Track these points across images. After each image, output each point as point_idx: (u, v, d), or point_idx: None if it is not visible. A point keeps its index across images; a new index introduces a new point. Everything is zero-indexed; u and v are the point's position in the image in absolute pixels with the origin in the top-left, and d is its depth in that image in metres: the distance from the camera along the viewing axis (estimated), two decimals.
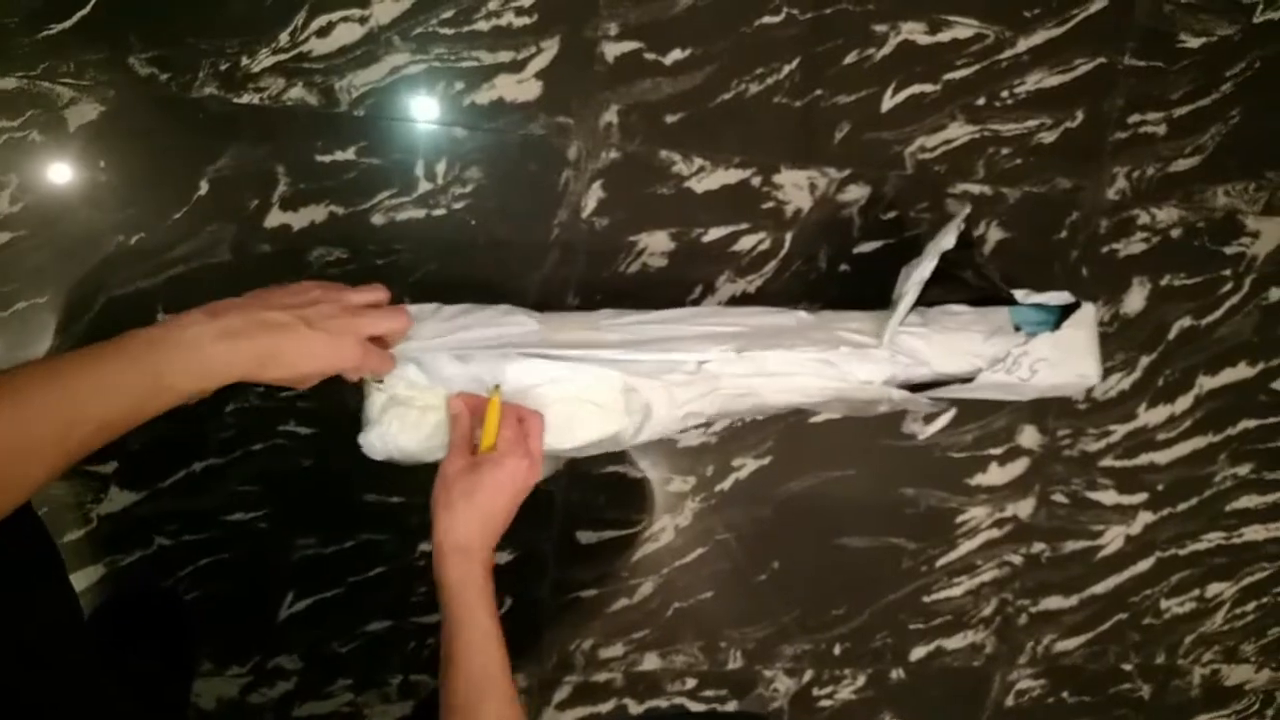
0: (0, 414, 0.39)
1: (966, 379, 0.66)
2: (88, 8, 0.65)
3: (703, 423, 0.66)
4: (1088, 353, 0.71)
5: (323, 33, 0.69)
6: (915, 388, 0.66)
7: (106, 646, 0.69)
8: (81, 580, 0.72)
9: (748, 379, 0.62)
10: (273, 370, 0.47)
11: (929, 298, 0.68)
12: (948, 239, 0.67)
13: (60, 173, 0.67)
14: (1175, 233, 0.88)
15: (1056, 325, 0.70)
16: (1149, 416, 0.91)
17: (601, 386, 0.58)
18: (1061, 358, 0.69)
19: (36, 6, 0.64)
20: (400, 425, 0.57)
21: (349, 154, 0.71)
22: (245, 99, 0.68)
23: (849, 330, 0.65)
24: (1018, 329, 0.68)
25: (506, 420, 0.55)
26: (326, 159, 0.70)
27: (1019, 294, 0.71)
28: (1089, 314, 0.71)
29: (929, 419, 0.69)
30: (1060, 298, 0.71)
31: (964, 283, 0.70)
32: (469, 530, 0.52)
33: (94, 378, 0.42)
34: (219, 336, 0.45)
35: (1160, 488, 0.93)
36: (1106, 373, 0.89)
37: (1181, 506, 0.94)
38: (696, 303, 0.79)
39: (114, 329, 0.68)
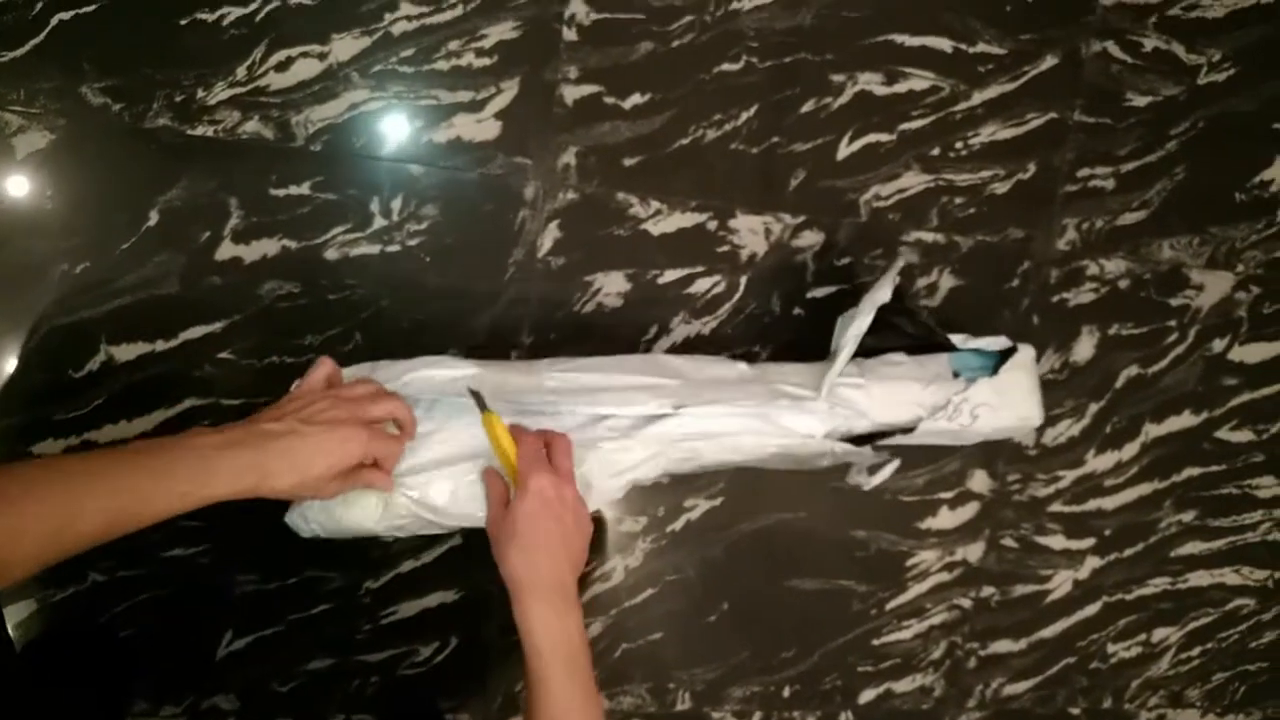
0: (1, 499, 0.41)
1: (908, 429, 0.68)
2: (41, 36, 0.66)
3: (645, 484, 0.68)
4: (1028, 395, 0.74)
5: (281, 67, 0.70)
6: (858, 439, 0.68)
7: (37, 685, 0.68)
8: (12, 615, 0.72)
9: (689, 442, 0.64)
10: (281, 476, 0.50)
11: (866, 346, 0.70)
12: (883, 292, 0.69)
13: (5, 200, 0.68)
14: (1123, 283, 0.92)
15: (995, 370, 0.73)
16: (1097, 463, 0.94)
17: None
18: (1002, 401, 0.71)
19: None
20: (325, 508, 0.59)
21: (304, 188, 0.72)
22: (199, 131, 0.70)
23: (788, 384, 0.67)
24: (957, 375, 0.71)
25: (525, 441, 0.57)
26: (281, 193, 0.72)
27: (957, 339, 0.73)
28: (1027, 357, 0.74)
29: (873, 470, 0.71)
30: (998, 342, 0.74)
31: (901, 331, 0.72)
32: (532, 570, 0.53)
33: (97, 475, 0.44)
34: (222, 446, 0.49)
35: (1107, 533, 0.96)
36: (1056, 419, 0.92)
37: (1128, 552, 0.97)
38: (650, 344, 0.81)
39: (54, 358, 0.69)
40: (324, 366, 0.58)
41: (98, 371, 0.71)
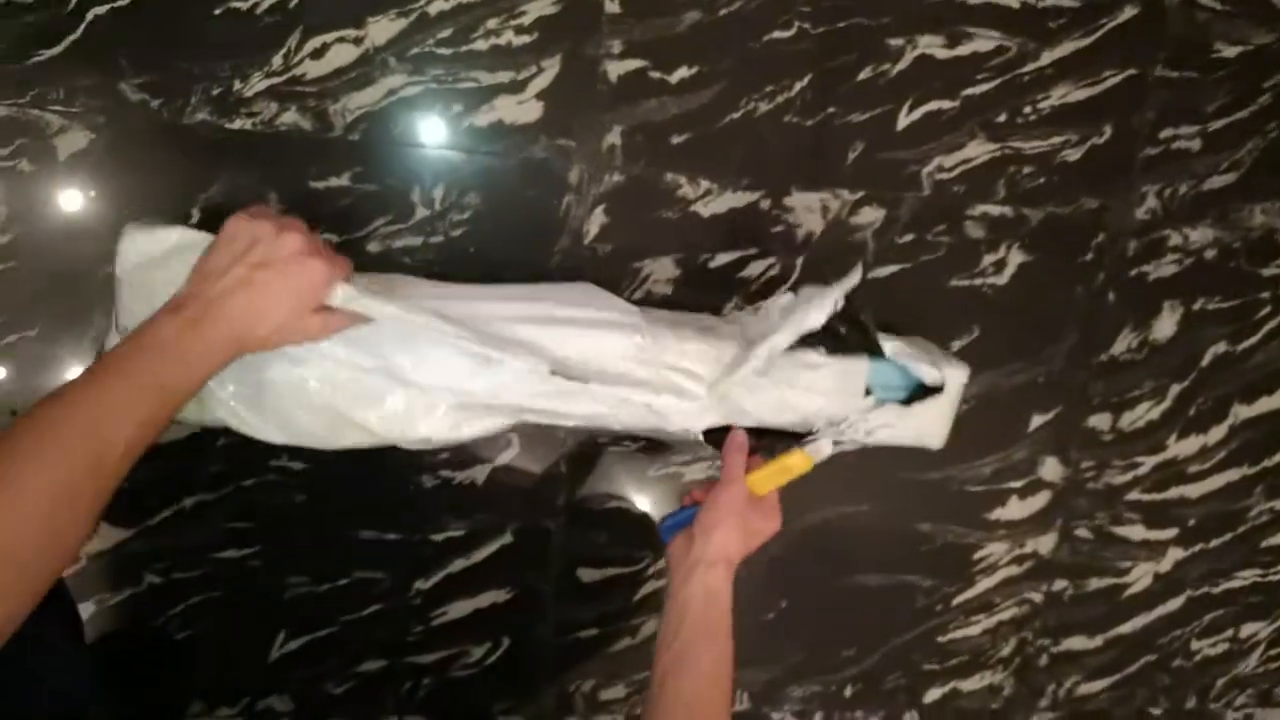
0: (35, 460, 0.40)
1: (798, 435, 0.66)
2: (78, 32, 0.67)
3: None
4: (939, 421, 0.69)
5: (317, 55, 0.70)
6: (756, 432, 0.66)
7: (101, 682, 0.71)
8: None
9: (550, 405, 0.63)
10: (256, 334, 0.48)
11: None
12: (815, 317, 0.63)
13: (50, 202, 0.69)
14: (1209, 254, 0.87)
15: (909, 401, 0.68)
16: (1180, 448, 0.91)
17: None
18: (905, 425, 0.67)
19: (25, 32, 0.66)
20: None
21: (344, 180, 0.72)
22: (237, 124, 0.70)
23: (679, 369, 0.65)
24: (869, 392, 0.67)
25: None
26: (320, 185, 0.72)
27: (890, 346, 0.68)
28: (956, 382, 0.68)
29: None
30: (930, 375, 0.68)
31: (833, 332, 0.67)
32: (740, 550, 0.60)
33: (105, 404, 0.43)
34: (186, 327, 0.46)
35: (1191, 523, 0.93)
36: (1133, 402, 0.89)
37: (1214, 542, 0.94)
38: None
39: None
40: (259, 208, 0.53)
41: None
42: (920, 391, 0.68)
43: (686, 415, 0.64)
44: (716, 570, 0.58)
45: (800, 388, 0.66)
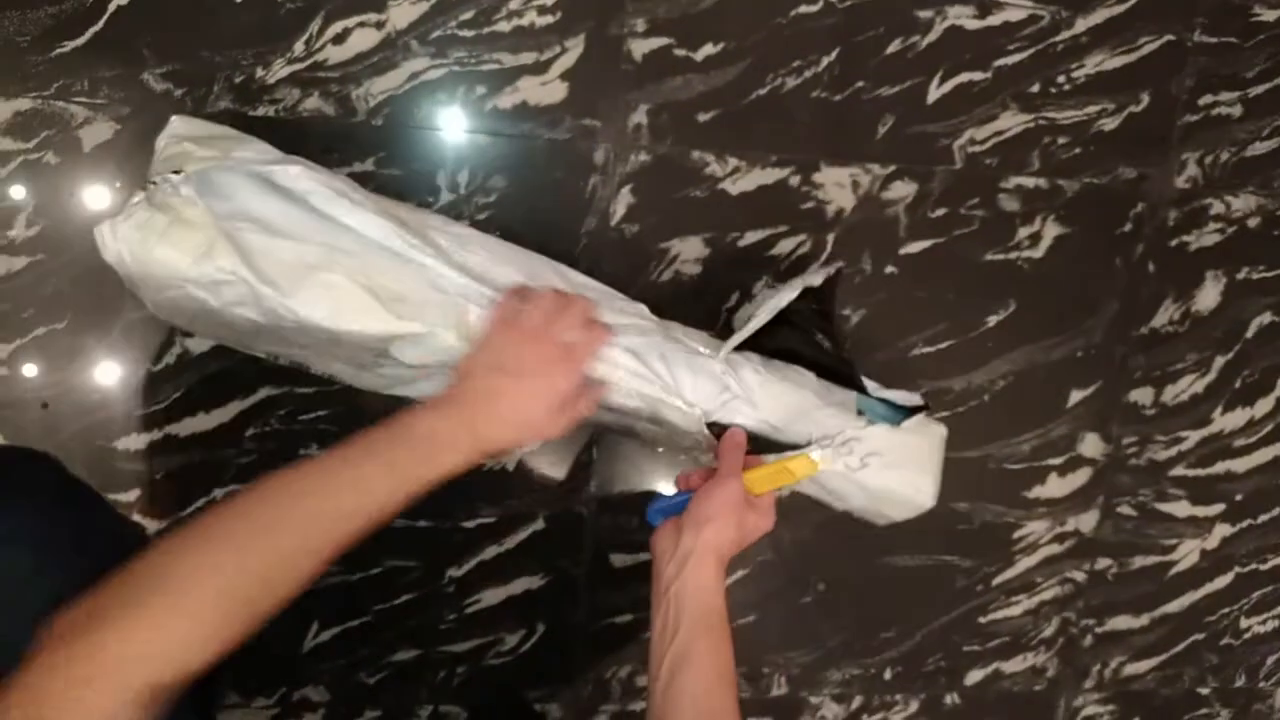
0: (281, 519, 0.43)
1: (795, 446, 0.63)
2: (100, 23, 0.67)
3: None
4: (928, 467, 0.67)
5: (339, 40, 0.69)
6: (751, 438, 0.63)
7: None
8: None
9: None
10: (501, 438, 0.51)
11: (777, 355, 0.66)
12: (815, 277, 0.64)
13: (77, 194, 0.69)
14: (1252, 222, 0.85)
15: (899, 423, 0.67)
16: (1225, 421, 0.88)
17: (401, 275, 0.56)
18: (897, 460, 0.65)
19: (48, 24, 0.66)
20: (141, 229, 0.53)
21: (368, 165, 0.71)
22: (261, 112, 0.69)
23: (688, 337, 0.64)
24: (860, 413, 0.66)
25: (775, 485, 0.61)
26: (345, 171, 0.71)
27: (870, 385, 0.68)
28: (938, 433, 0.67)
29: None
30: (910, 398, 0.68)
31: (817, 357, 0.67)
32: (732, 547, 0.57)
33: (352, 478, 0.46)
34: (440, 425, 0.49)
35: (1238, 498, 0.90)
36: (1176, 376, 0.87)
37: (1262, 518, 0.92)
38: (732, 312, 0.78)
39: (132, 353, 0.70)
40: (515, 294, 0.56)
41: (174, 365, 0.72)
42: (908, 415, 0.67)
43: (695, 383, 0.62)
44: (707, 563, 0.55)
45: (797, 386, 0.65)
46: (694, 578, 0.55)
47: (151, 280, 0.56)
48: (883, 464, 0.64)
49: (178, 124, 0.60)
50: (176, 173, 0.55)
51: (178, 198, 0.55)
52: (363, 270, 0.56)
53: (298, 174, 0.57)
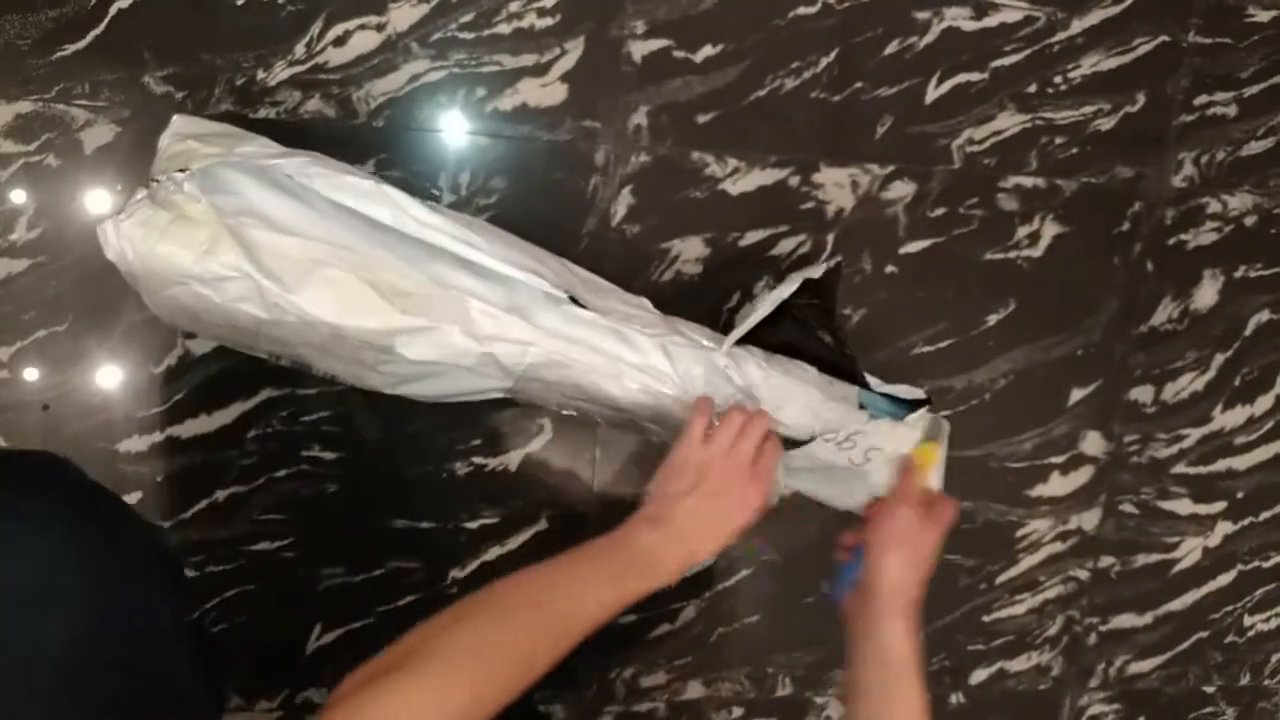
0: (512, 620, 0.47)
1: (799, 442, 0.63)
2: (101, 27, 0.67)
3: (499, 387, 0.62)
4: (931, 466, 0.67)
5: (339, 42, 0.69)
6: None
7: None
8: None
9: (566, 342, 0.59)
10: (711, 551, 0.55)
11: (780, 350, 0.66)
12: (815, 270, 0.65)
13: (77, 197, 0.68)
14: (1249, 220, 0.85)
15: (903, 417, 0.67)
16: (1226, 419, 0.88)
17: (403, 270, 0.56)
18: (900, 455, 0.65)
19: (49, 27, 0.66)
20: (144, 226, 0.53)
21: (369, 166, 0.71)
22: (262, 114, 0.69)
23: (691, 331, 0.63)
24: (863, 408, 0.66)
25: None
26: None
27: (873, 381, 0.68)
28: (942, 428, 0.68)
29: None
30: (913, 392, 0.68)
31: (819, 351, 0.67)
32: (915, 581, 0.60)
33: (576, 585, 0.50)
34: (656, 542, 0.53)
35: (1240, 495, 0.90)
36: (1176, 373, 0.87)
37: (1264, 515, 0.91)
38: (734, 311, 0.78)
39: (134, 355, 0.70)
40: (703, 415, 0.59)
41: (176, 366, 0.71)
42: (910, 409, 0.67)
43: (700, 375, 0.62)
44: (896, 619, 0.58)
45: (799, 380, 0.65)
46: (889, 635, 0.57)
47: (154, 278, 0.55)
48: (885, 459, 0.63)
49: (180, 123, 0.60)
50: (182, 171, 0.55)
51: (180, 195, 0.54)
52: (366, 266, 0.56)
53: (304, 164, 0.57)
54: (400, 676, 0.42)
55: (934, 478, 0.66)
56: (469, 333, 0.57)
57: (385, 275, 0.56)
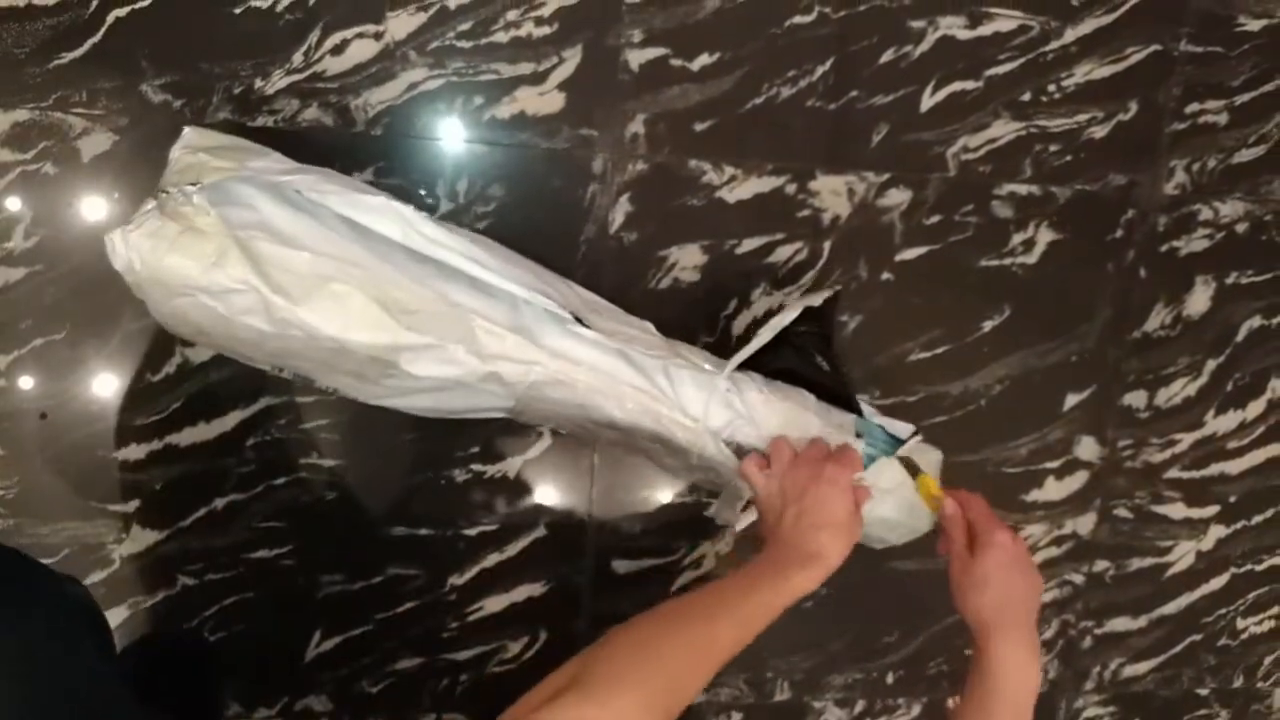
0: (682, 637, 0.49)
1: None
2: (98, 35, 0.66)
3: (501, 407, 0.62)
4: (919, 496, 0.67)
5: (337, 51, 0.69)
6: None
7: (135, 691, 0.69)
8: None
9: (570, 363, 0.60)
10: (815, 574, 0.57)
11: (778, 376, 0.66)
12: (816, 298, 0.66)
13: (75, 205, 0.68)
14: (1240, 227, 0.85)
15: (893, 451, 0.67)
16: (1218, 424, 0.88)
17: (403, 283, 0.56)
18: (896, 489, 0.65)
19: (47, 36, 0.65)
20: (153, 237, 0.53)
21: (367, 175, 0.71)
22: (260, 122, 0.69)
23: (692, 355, 0.64)
24: (859, 435, 0.66)
25: (974, 501, 0.63)
26: None
27: (866, 410, 0.69)
28: (934, 459, 0.68)
29: (747, 506, 0.67)
30: (904, 428, 0.68)
31: (816, 377, 0.67)
32: (1003, 614, 0.59)
33: (717, 612, 0.52)
34: (780, 577, 0.55)
35: (1233, 499, 0.90)
36: (1169, 379, 0.87)
37: (1256, 519, 0.91)
38: (731, 319, 0.78)
39: (132, 363, 0.69)
40: (785, 450, 0.61)
41: (174, 375, 0.71)
42: (900, 444, 0.67)
43: (700, 399, 0.62)
44: (1006, 637, 0.58)
45: (799, 406, 0.65)
46: (996, 656, 0.57)
47: (161, 288, 0.55)
48: (881, 493, 0.64)
49: (191, 135, 0.60)
50: (192, 184, 0.55)
51: (189, 207, 0.54)
52: (374, 283, 0.56)
53: (315, 180, 0.57)
54: (568, 701, 0.43)
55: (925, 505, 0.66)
56: (474, 351, 0.57)
57: (393, 292, 0.56)
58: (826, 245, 0.78)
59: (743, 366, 0.64)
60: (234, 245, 0.54)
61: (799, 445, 0.62)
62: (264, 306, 0.54)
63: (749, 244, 0.77)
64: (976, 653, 0.59)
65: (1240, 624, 0.94)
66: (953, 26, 0.77)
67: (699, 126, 0.74)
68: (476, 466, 0.76)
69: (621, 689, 0.44)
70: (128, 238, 0.54)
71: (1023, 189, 0.81)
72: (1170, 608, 0.92)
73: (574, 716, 0.42)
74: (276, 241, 0.55)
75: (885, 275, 0.80)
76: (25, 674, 0.45)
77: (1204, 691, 0.95)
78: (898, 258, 0.80)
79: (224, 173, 0.56)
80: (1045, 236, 0.82)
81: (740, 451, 0.63)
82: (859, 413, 0.68)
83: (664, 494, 0.80)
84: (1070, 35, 0.79)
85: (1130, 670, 0.93)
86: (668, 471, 0.72)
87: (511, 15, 0.70)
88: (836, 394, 0.67)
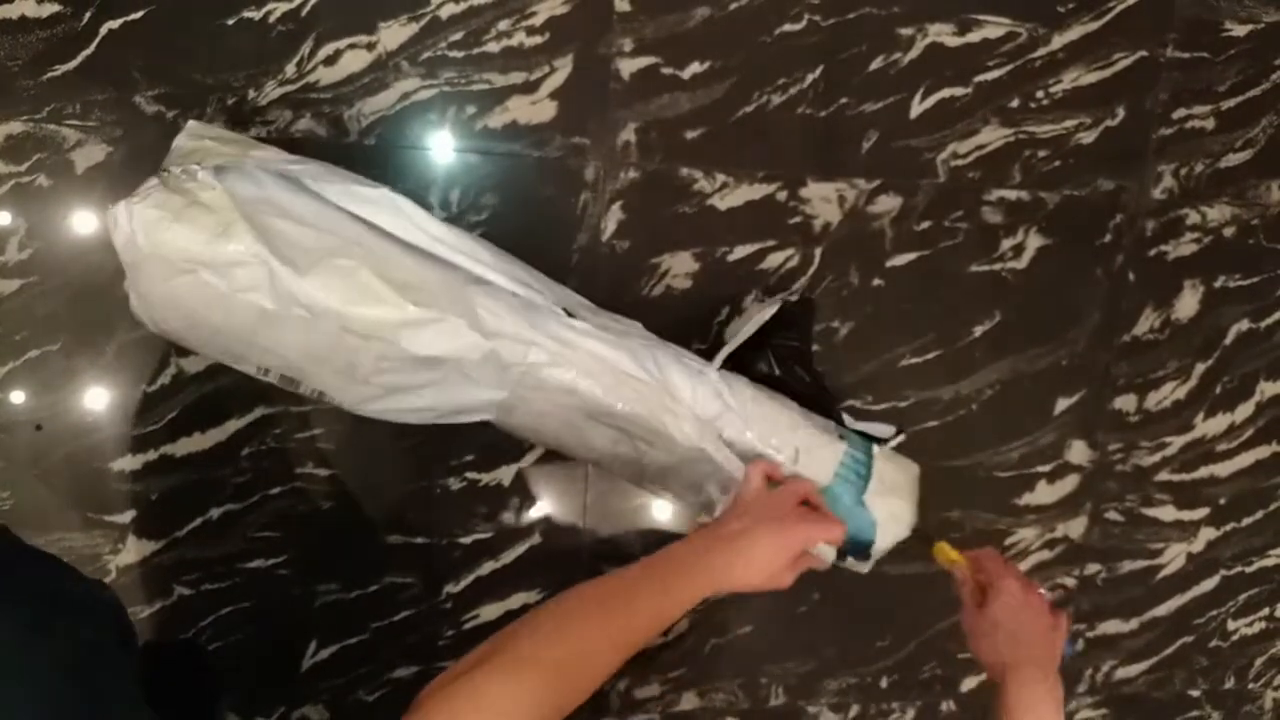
0: (574, 623, 0.48)
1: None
2: (91, 47, 0.65)
3: (493, 401, 0.61)
4: (905, 496, 0.67)
5: (330, 61, 0.67)
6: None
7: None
8: None
9: (566, 347, 0.59)
10: (744, 575, 0.54)
11: (762, 382, 0.66)
12: (793, 296, 0.67)
13: (69, 216, 0.66)
14: (1228, 231, 0.84)
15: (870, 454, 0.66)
16: (1207, 427, 0.87)
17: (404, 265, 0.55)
18: (875, 489, 0.64)
19: (40, 48, 0.64)
20: (159, 209, 0.51)
21: None
22: (253, 132, 0.67)
23: (682, 352, 0.63)
24: (841, 438, 0.65)
25: (987, 554, 0.63)
26: None
27: (845, 419, 0.69)
28: (913, 471, 0.68)
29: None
30: (884, 430, 0.68)
31: (797, 392, 0.67)
32: (1017, 653, 0.59)
33: (638, 606, 0.50)
34: (702, 552, 0.53)
35: (1222, 501, 0.89)
36: (1158, 382, 0.85)
37: (1246, 521, 0.90)
38: (723, 325, 0.76)
39: (127, 374, 0.68)
40: (759, 469, 0.60)
41: (169, 385, 0.69)
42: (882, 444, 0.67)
43: (693, 389, 0.61)
44: (1024, 680, 0.58)
45: (783, 407, 0.65)
46: (1010, 695, 0.57)
47: (161, 265, 0.53)
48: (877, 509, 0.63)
49: (195, 126, 0.59)
50: (197, 165, 0.54)
51: (194, 183, 0.53)
52: (378, 261, 0.55)
53: (317, 170, 0.56)
54: (476, 674, 0.43)
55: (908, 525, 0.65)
56: (475, 327, 0.56)
57: (396, 272, 0.55)
58: (818, 252, 0.77)
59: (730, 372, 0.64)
60: (240, 218, 0.52)
61: (782, 472, 0.60)
62: (268, 278, 0.52)
63: (740, 251, 0.75)
64: (994, 696, 0.59)
65: (1231, 625, 0.92)
66: (942, 33, 0.76)
67: (690, 134, 0.73)
68: (471, 474, 0.75)
69: (532, 667, 0.44)
70: (132, 209, 0.52)
71: (1012, 194, 0.79)
72: (1161, 610, 0.90)
73: (482, 689, 0.43)
74: (285, 217, 0.54)
75: (876, 281, 0.78)
76: (89, 672, 0.44)
77: (1195, 693, 0.93)
78: (888, 264, 0.78)
79: (227, 157, 0.55)
80: (1034, 242, 0.80)
81: (731, 447, 0.62)
82: (839, 420, 0.68)
83: (658, 501, 0.78)
84: (1058, 42, 0.78)
85: (1122, 672, 0.91)
86: (653, 492, 0.70)
87: (503, 25, 0.69)
88: (817, 402, 0.67)
